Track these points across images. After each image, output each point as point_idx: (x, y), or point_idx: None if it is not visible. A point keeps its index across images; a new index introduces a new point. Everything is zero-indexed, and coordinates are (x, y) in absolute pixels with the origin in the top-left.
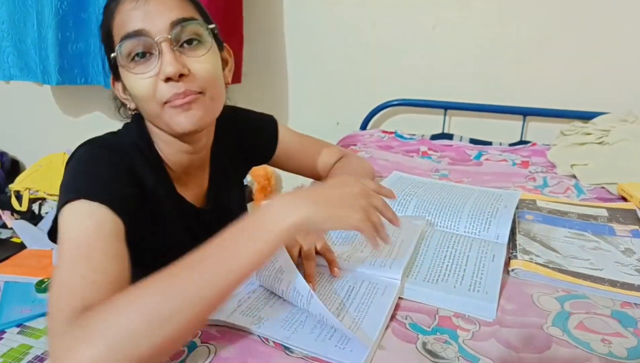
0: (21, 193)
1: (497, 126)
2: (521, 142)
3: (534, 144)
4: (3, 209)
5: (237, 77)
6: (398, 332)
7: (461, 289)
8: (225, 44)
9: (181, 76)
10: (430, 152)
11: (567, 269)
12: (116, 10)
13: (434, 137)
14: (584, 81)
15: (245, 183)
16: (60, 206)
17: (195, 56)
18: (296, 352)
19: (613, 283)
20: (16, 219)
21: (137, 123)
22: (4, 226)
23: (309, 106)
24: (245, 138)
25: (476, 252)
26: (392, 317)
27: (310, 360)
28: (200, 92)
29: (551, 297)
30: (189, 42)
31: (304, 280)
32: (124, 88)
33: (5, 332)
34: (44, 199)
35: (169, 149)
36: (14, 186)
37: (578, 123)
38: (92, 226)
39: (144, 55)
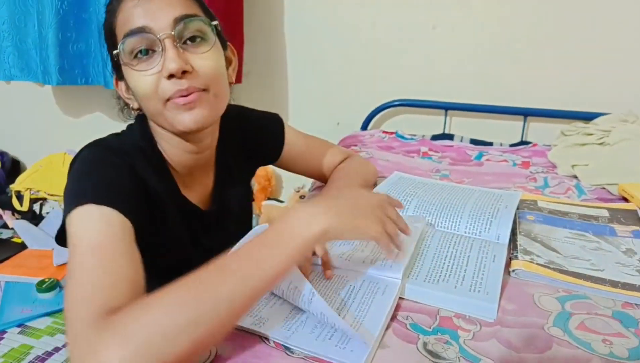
0: (22, 193)
1: (497, 127)
2: (522, 142)
3: (535, 144)
4: (4, 209)
5: (237, 78)
6: (399, 332)
7: (462, 289)
8: (229, 43)
9: (184, 72)
10: (431, 152)
11: (568, 269)
12: (118, 9)
13: (435, 137)
14: (584, 81)
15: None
16: (68, 210)
17: (199, 52)
18: (296, 352)
19: (614, 284)
20: (17, 219)
21: (140, 124)
22: (5, 226)
23: (309, 106)
24: (251, 137)
25: (477, 252)
26: (393, 317)
27: (311, 360)
28: (203, 90)
29: (552, 298)
30: (192, 39)
31: (305, 279)
32: (127, 87)
33: (6, 332)
34: (44, 199)
35: (172, 150)
36: (14, 186)
37: (579, 123)
38: (104, 229)
39: (147, 52)
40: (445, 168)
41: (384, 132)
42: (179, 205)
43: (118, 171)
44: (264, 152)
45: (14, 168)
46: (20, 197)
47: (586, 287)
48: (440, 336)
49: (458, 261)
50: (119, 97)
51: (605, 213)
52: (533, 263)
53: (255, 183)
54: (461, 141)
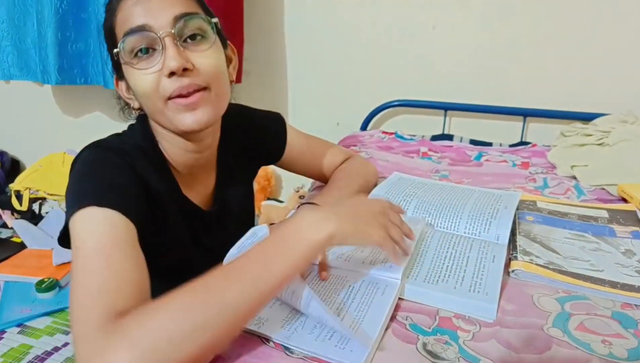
0: (21, 193)
1: (497, 127)
2: (521, 143)
3: (534, 145)
4: (3, 208)
5: (237, 77)
6: (398, 333)
7: (461, 290)
8: (229, 42)
9: (185, 70)
10: (430, 153)
11: (567, 270)
12: (118, 8)
13: (434, 138)
14: (584, 82)
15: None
16: (70, 212)
17: (199, 50)
18: (296, 352)
19: (613, 285)
20: (16, 219)
21: (141, 124)
22: (4, 225)
23: (309, 106)
24: (253, 137)
25: (476, 253)
26: (393, 318)
27: (310, 361)
28: (205, 88)
29: (551, 298)
30: (193, 37)
31: (304, 282)
32: (128, 87)
33: (6, 331)
34: (44, 199)
35: (173, 149)
36: (14, 186)
37: (578, 124)
38: (107, 232)
39: (147, 51)
40: (444, 168)
41: (384, 132)
42: (180, 205)
43: (119, 171)
44: (266, 152)
45: (14, 167)
46: (19, 197)
47: (585, 288)
48: (439, 336)
49: (457, 262)
50: (119, 97)
51: (605, 214)
52: (532, 263)
53: (255, 183)
54: (461, 141)
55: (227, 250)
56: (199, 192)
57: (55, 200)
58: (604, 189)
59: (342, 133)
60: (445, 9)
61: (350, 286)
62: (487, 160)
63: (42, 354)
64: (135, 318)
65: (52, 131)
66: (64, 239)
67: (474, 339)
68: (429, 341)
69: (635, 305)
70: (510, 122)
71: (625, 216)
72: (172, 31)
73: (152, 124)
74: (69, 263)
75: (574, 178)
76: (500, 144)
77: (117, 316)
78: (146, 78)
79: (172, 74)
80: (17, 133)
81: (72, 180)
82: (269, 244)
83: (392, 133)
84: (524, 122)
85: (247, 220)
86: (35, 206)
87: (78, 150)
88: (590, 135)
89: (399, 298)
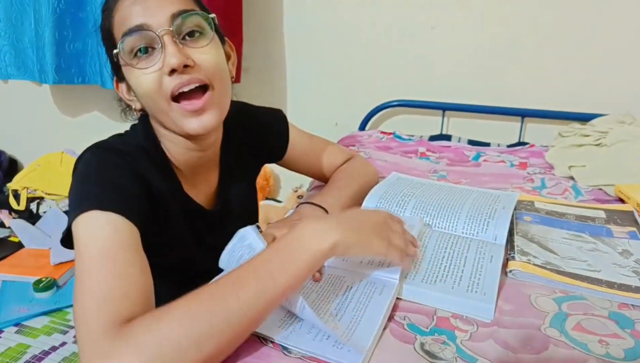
0: (19, 192)
1: (495, 127)
2: (519, 143)
3: (532, 145)
4: (1, 208)
5: (236, 77)
6: (396, 333)
7: (459, 290)
8: (226, 38)
9: (186, 67)
10: (428, 153)
11: (564, 270)
12: (115, 8)
13: (433, 138)
14: (582, 83)
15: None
16: (73, 215)
17: (198, 47)
18: (294, 352)
19: (610, 285)
20: (14, 218)
21: (143, 124)
22: (2, 225)
23: (307, 106)
24: (255, 134)
25: (474, 253)
26: (390, 318)
27: (308, 360)
28: (207, 85)
29: (549, 298)
30: (191, 34)
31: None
32: (128, 88)
33: (3, 331)
34: (42, 198)
35: (176, 149)
36: (11, 185)
37: (576, 125)
38: (111, 236)
39: (147, 50)
40: (442, 168)
41: (382, 132)
42: (183, 204)
43: (121, 172)
44: (269, 150)
45: (11, 166)
46: (17, 196)
47: (583, 288)
48: (437, 336)
49: (455, 262)
50: (120, 100)
51: (602, 214)
52: (530, 263)
53: None
54: (459, 141)
55: None
56: (201, 191)
57: (53, 200)
58: (601, 189)
59: (341, 133)
60: (444, 9)
61: (348, 286)
62: (485, 160)
63: (39, 354)
64: (141, 325)
65: (50, 130)
66: (67, 240)
67: (471, 339)
68: (426, 341)
69: (632, 305)
70: (508, 123)
71: (623, 216)
72: (171, 29)
73: (154, 124)
74: (66, 262)
75: (572, 178)
76: (498, 145)
77: (123, 323)
78: (147, 78)
79: (173, 71)
80: (15, 132)
81: (74, 182)
82: (273, 253)
83: (390, 133)
84: (522, 122)
85: (250, 219)
86: (33, 206)
87: (76, 150)
88: (588, 136)
89: (397, 298)
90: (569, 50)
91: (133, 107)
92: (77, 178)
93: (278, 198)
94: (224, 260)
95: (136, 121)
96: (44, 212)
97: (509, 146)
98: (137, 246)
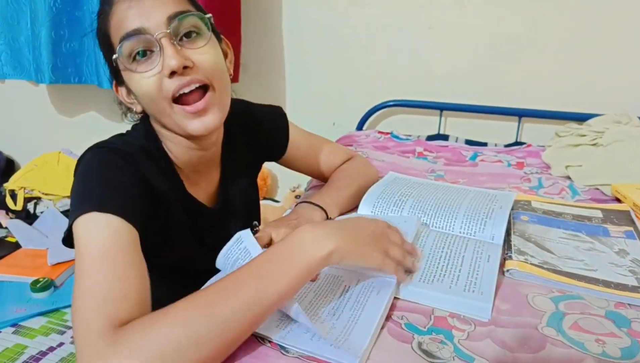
0: (16, 192)
1: (492, 127)
2: (516, 143)
3: (529, 145)
4: None
5: (234, 77)
6: (394, 332)
7: (456, 289)
8: (222, 36)
9: (185, 68)
10: (426, 153)
11: (561, 270)
12: (111, 13)
13: (430, 138)
14: (579, 83)
15: None
16: (74, 216)
17: (196, 47)
18: (292, 351)
19: (607, 284)
20: (11, 218)
21: (144, 124)
22: None
23: (305, 106)
24: (255, 132)
25: (471, 252)
26: (388, 317)
27: (306, 360)
28: (207, 85)
29: (546, 297)
30: (188, 35)
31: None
32: (128, 92)
33: (0, 331)
34: (39, 198)
35: (178, 149)
36: (8, 185)
37: (573, 125)
38: (111, 238)
39: (145, 53)
40: (440, 168)
41: (380, 132)
42: (184, 203)
43: (122, 173)
44: (269, 148)
45: (8, 167)
46: (14, 196)
47: (579, 287)
48: (434, 336)
49: (453, 261)
50: (120, 103)
51: (599, 214)
52: (527, 263)
53: None
54: (456, 141)
55: None
56: (202, 189)
57: (50, 200)
58: (598, 189)
59: (338, 133)
60: (441, 9)
61: (346, 286)
62: (482, 160)
63: (36, 354)
64: (138, 328)
65: (47, 130)
66: (68, 239)
67: (469, 338)
68: (424, 340)
69: (629, 304)
70: (506, 123)
71: (619, 216)
72: (168, 31)
73: (155, 125)
74: (64, 262)
75: (569, 178)
76: (496, 145)
77: (120, 325)
78: (148, 81)
79: (173, 73)
80: (12, 132)
81: (76, 182)
82: (270, 259)
83: (387, 133)
84: (519, 122)
85: (251, 216)
86: (30, 206)
87: (73, 150)
88: (584, 135)
89: (395, 298)
90: (566, 50)
91: (134, 110)
92: (79, 178)
93: (276, 198)
94: (221, 262)
95: (136, 121)
96: (41, 212)
97: (506, 146)
98: (136, 249)
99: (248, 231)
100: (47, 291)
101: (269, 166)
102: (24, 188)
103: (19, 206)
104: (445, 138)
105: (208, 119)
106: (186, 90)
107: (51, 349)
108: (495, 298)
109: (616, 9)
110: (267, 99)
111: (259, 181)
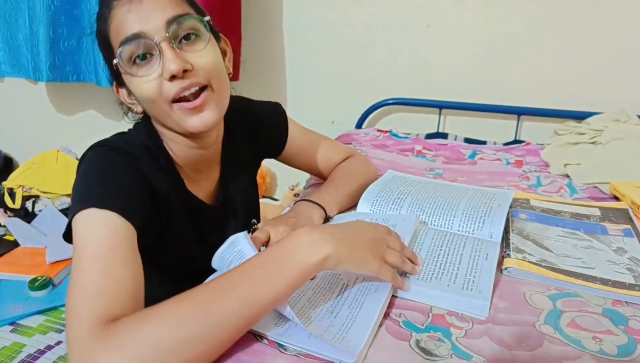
0: (14, 191)
1: (491, 126)
2: (515, 141)
3: (528, 143)
4: None
5: (234, 75)
6: (392, 330)
7: (455, 287)
8: (221, 35)
9: (185, 71)
10: (424, 151)
11: (559, 267)
12: (110, 16)
13: (429, 136)
14: (578, 81)
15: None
16: (73, 212)
17: (195, 50)
18: (290, 349)
19: (605, 282)
20: (9, 216)
21: (145, 123)
22: None
23: (305, 104)
24: (255, 128)
25: (470, 250)
26: (386, 315)
27: (304, 357)
28: (206, 85)
29: (544, 295)
30: (187, 37)
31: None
32: (129, 93)
33: None
34: (37, 196)
35: (179, 148)
36: (7, 184)
37: (572, 123)
38: (107, 235)
39: (145, 57)
40: (439, 166)
41: (379, 130)
42: (185, 202)
43: (123, 172)
44: (268, 144)
45: (7, 165)
46: (12, 194)
47: (577, 285)
48: (432, 333)
49: (451, 259)
50: (121, 103)
51: (597, 212)
52: (525, 261)
53: None
54: (455, 139)
55: None
56: (203, 187)
57: (48, 198)
58: (596, 187)
59: (338, 131)
60: (440, 7)
61: (344, 284)
62: (481, 158)
63: (34, 353)
64: (125, 325)
65: (46, 128)
66: (68, 235)
67: (466, 336)
68: (422, 338)
69: (626, 302)
70: (505, 121)
71: (617, 214)
72: (167, 35)
73: (156, 124)
74: (62, 261)
75: (567, 176)
76: (495, 143)
77: (110, 321)
78: (148, 85)
79: (173, 77)
80: (10, 131)
81: (77, 180)
82: (265, 260)
83: (386, 131)
84: (518, 120)
85: (251, 213)
86: (29, 204)
87: (72, 148)
88: (583, 134)
89: (393, 296)
90: (564, 49)
91: (134, 110)
92: (81, 175)
93: (275, 196)
94: (216, 263)
95: (138, 120)
96: (40, 210)
97: (505, 144)
98: (133, 247)
99: (242, 233)
100: (45, 290)
101: (268, 165)
102: (23, 186)
103: (17, 205)
104: (444, 136)
105: (206, 116)
106: (186, 93)
107: (49, 347)
108: (493, 296)
109: (615, 8)
110: (267, 97)
111: (258, 179)
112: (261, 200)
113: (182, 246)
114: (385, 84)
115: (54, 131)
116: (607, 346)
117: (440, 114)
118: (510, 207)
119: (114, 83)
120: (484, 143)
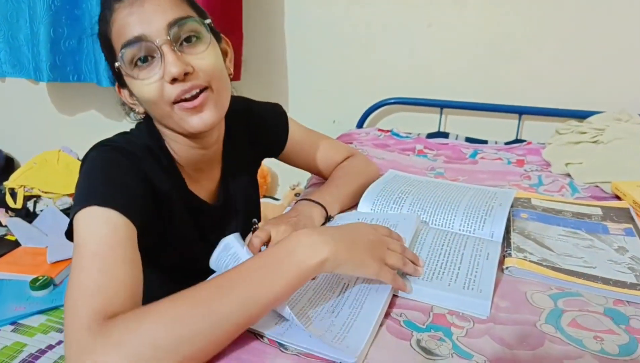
0: (16, 191)
1: (492, 125)
2: (516, 140)
3: (529, 143)
4: None
5: (236, 75)
6: (392, 329)
7: (456, 287)
8: (222, 35)
9: (186, 74)
10: (426, 150)
11: (560, 267)
12: (112, 19)
13: (430, 135)
14: (579, 80)
15: None
16: (75, 210)
17: (196, 53)
18: (290, 348)
19: (606, 281)
20: (11, 216)
21: (147, 123)
22: None
23: (306, 104)
24: (255, 128)
25: (471, 250)
26: (387, 315)
27: (305, 357)
28: (207, 87)
29: (545, 295)
30: (188, 39)
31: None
32: (131, 93)
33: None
34: (38, 196)
35: (180, 147)
36: (8, 184)
37: (573, 122)
38: (108, 233)
39: (146, 59)
40: (440, 166)
41: (380, 130)
42: (186, 201)
43: (125, 172)
44: (269, 143)
45: (8, 165)
46: (13, 194)
47: (578, 284)
48: (433, 333)
49: (452, 259)
50: (123, 104)
51: (599, 211)
52: (526, 260)
53: None
54: (456, 139)
55: None
56: (204, 187)
57: (49, 198)
58: (597, 186)
59: (339, 131)
60: (440, 7)
61: (345, 283)
62: (482, 158)
63: (36, 352)
64: (122, 323)
65: (47, 128)
66: (70, 233)
67: (467, 335)
68: (423, 337)
69: (627, 301)
70: (506, 120)
71: (619, 213)
72: (168, 38)
73: (157, 125)
74: (63, 261)
75: (569, 175)
76: (496, 142)
77: (107, 319)
78: (150, 87)
79: (174, 80)
80: (11, 131)
81: (80, 179)
82: (265, 261)
83: (388, 131)
84: (519, 120)
85: (252, 212)
86: (30, 204)
87: (73, 148)
88: (584, 133)
89: (393, 295)
90: (565, 48)
91: (136, 110)
92: (83, 175)
93: (275, 196)
94: (213, 264)
95: (140, 120)
96: (41, 210)
97: (506, 144)
98: (133, 245)
99: (233, 236)
100: (47, 290)
101: (268, 164)
102: (24, 186)
103: (18, 205)
104: (445, 135)
105: (206, 115)
106: (187, 96)
107: (50, 347)
108: (494, 296)
109: (615, 8)
110: (269, 97)
111: (259, 179)
112: (262, 200)
113: (184, 245)
114: (386, 83)
115: (55, 131)
116: (608, 345)
117: (441, 113)
118: (512, 206)
119: (116, 84)
120: (485, 142)
